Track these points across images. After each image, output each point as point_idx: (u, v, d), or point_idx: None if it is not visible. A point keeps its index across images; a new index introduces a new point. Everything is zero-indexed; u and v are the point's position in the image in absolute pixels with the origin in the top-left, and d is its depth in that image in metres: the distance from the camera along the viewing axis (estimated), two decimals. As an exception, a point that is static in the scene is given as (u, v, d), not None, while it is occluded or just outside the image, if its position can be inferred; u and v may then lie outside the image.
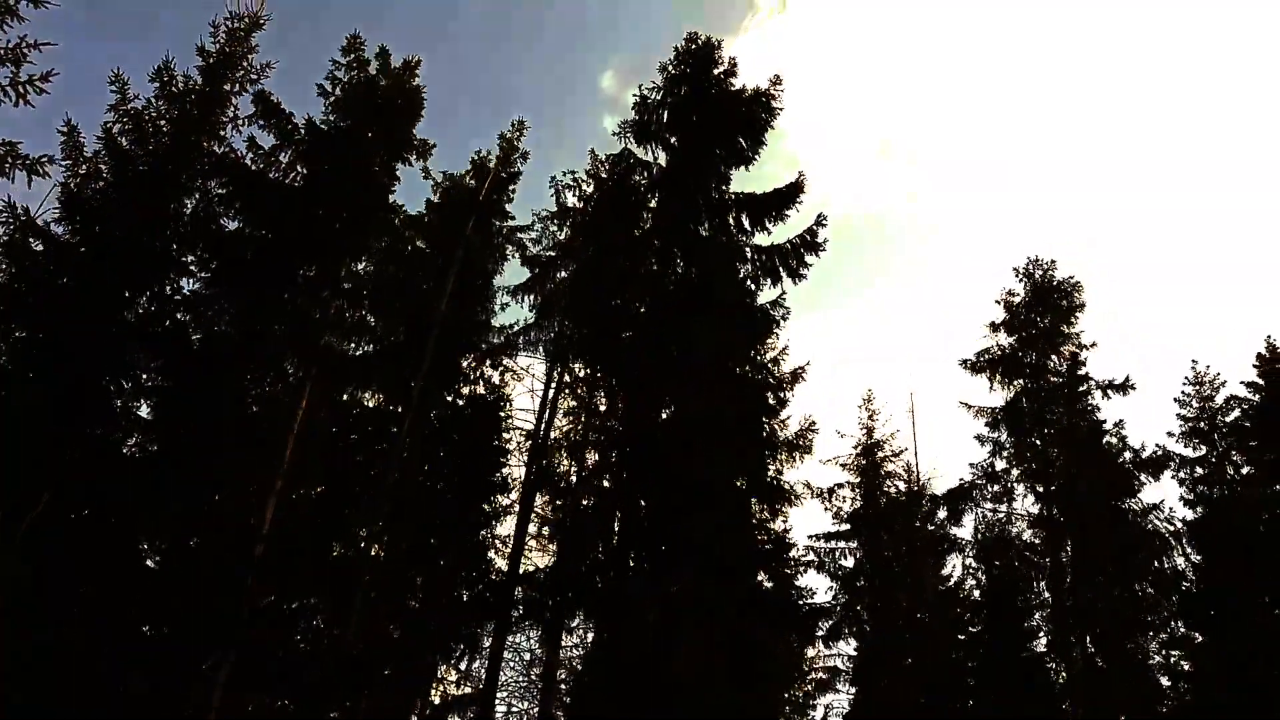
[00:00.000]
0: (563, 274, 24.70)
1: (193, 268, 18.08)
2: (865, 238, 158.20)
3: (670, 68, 23.80)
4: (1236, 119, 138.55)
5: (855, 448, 30.62)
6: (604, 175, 24.58)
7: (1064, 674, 24.21)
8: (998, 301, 30.26)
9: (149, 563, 14.66)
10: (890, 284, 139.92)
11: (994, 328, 29.75)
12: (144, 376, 16.95)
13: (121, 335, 16.36)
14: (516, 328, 24.29)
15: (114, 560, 13.43)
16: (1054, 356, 28.58)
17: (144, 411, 16.50)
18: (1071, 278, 29.67)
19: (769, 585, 19.02)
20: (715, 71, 23.73)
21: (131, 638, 13.27)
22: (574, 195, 25.09)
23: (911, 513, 28.43)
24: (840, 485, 29.99)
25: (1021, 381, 28.41)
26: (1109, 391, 27.45)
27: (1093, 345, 28.54)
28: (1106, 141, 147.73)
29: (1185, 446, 29.01)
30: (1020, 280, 30.24)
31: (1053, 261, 29.96)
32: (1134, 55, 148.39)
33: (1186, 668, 25.22)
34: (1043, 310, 29.34)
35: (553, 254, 25.25)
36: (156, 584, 13.73)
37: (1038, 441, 27.09)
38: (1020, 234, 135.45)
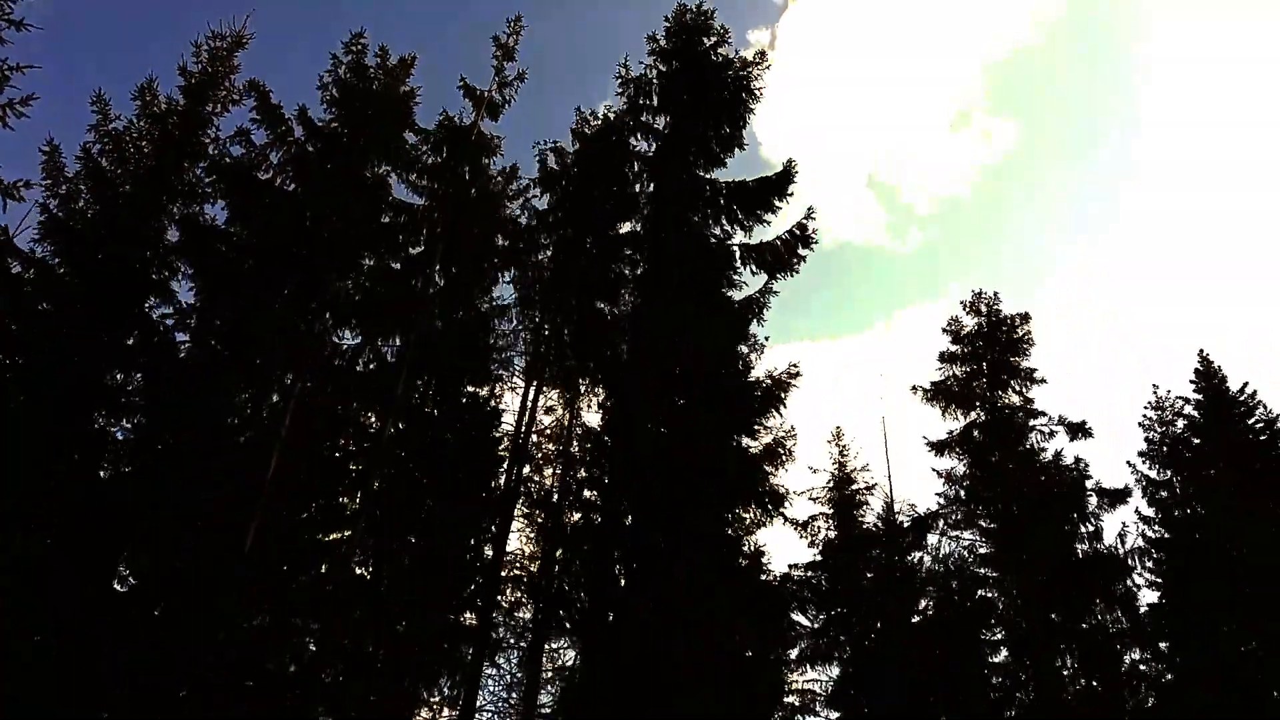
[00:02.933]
0: (543, 255, 23.39)
1: (180, 281, 18.02)
2: (858, 265, 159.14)
3: (661, 39, 22.22)
4: (1235, 118, 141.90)
5: (828, 483, 30.95)
6: (588, 133, 23.08)
7: (1031, 696, 24.48)
8: (945, 331, 30.52)
9: (144, 566, 14.39)
10: (889, 308, 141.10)
11: (944, 359, 30.03)
12: (128, 392, 16.74)
13: (107, 352, 16.18)
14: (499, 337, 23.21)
15: (112, 562, 13.18)
16: (1006, 390, 29.06)
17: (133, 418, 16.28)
18: (1022, 313, 30.14)
19: (756, 593, 19.08)
20: (708, 42, 22.28)
21: (131, 638, 12.95)
22: (554, 158, 23.33)
23: (885, 543, 28.69)
24: (815, 517, 30.31)
25: (974, 412, 28.83)
26: (1069, 433, 27.83)
27: (1043, 381, 29.04)
28: (1105, 142, 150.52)
29: (1150, 468, 29.35)
30: (969, 314, 30.60)
31: (995, 294, 30.61)
32: (1132, 55, 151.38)
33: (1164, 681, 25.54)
34: (991, 342, 29.76)
35: (535, 225, 23.61)
36: (154, 586, 13.48)
37: (992, 465, 27.44)
38: (1019, 235, 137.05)
